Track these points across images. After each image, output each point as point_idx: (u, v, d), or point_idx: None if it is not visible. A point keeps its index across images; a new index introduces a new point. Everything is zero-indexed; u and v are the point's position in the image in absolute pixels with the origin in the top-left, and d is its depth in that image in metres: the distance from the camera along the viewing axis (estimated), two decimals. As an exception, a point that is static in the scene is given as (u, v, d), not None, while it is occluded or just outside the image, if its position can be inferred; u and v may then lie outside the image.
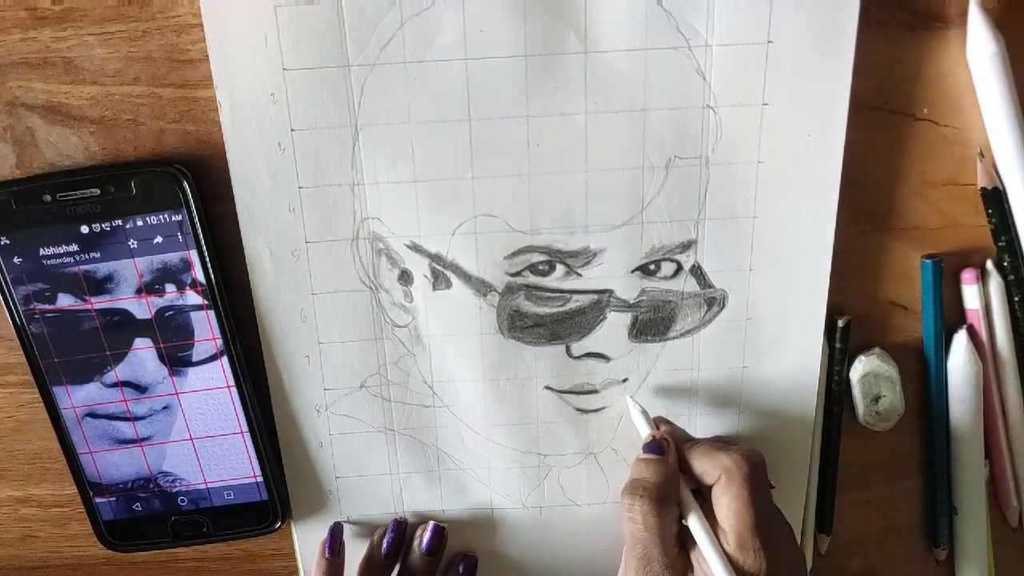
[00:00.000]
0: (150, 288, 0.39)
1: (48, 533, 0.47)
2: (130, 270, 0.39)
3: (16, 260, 0.39)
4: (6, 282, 0.39)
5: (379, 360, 0.42)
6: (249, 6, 0.36)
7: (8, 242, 0.38)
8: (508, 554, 0.47)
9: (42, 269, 0.39)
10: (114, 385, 0.41)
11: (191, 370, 0.41)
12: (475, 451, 0.44)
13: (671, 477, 0.38)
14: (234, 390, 0.42)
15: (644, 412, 0.41)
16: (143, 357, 0.41)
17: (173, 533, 0.45)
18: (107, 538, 0.45)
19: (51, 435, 0.42)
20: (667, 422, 0.41)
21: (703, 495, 0.38)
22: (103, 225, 0.38)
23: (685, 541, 0.38)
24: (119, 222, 0.38)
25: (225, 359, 0.41)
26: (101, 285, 0.39)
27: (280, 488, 0.44)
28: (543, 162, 0.38)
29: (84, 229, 0.38)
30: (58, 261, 0.39)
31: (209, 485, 0.44)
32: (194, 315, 0.40)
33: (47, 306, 0.39)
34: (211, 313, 0.40)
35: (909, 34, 0.38)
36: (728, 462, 0.36)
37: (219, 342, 0.40)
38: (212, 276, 0.39)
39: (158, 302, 0.40)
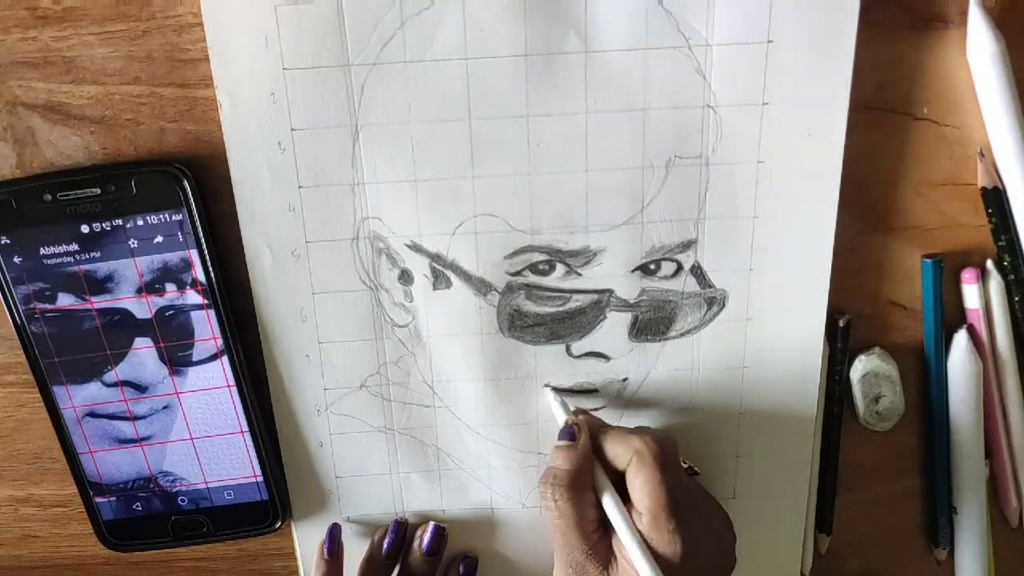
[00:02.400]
0: (150, 288, 0.39)
1: (48, 533, 0.47)
2: (130, 269, 0.39)
3: (16, 259, 0.39)
4: (6, 282, 0.39)
5: (379, 360, 0.42)
6: (249, 5, 0.36)
7: (8, 242, 0.38)
8: (508, 554, 0.47)
9: (42, 268, 0.39)
10: (114, 385, 0.41)
11: (191, 370, 0.41)
12: (475, 451, 0.44)
13: (582, 463, 0.38)
14: (234, 390, 0.42)
15: (563, 402, 0.41)
16: (143, 357, 0.41)
17: (173, 533, 0.45)
18: (107, 538, 0.45)
19: (51, 435, 0.42)
20: (584, 412, 0.41)
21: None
22: (103, 224, 0.38)
23: (608, 528, 0.38)
24: (119, 221, 0.38)
25: (225, 359, 0.41)
26: (101, 285, 0.39)
27: (280, 488, 0.44)
28: (543, 162, 0.38)
29: (84, 228, 0.38)
30: (58, 260, 0.39)
31: (209, 485, 0.44)
32: (194, 315, 0.40)
33: (47, 306, 0.39)
34: (211, 313, 0.40)
35: (909, 33, 0.38)
36: (639, 444, 0.37)
37: (219, 342, 0.40)
38: (212, 276, 0.39)
39: (158, 302, 0.40)
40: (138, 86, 0.37)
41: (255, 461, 0.43)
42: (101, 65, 0.37)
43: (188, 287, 0.39)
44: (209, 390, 0.42)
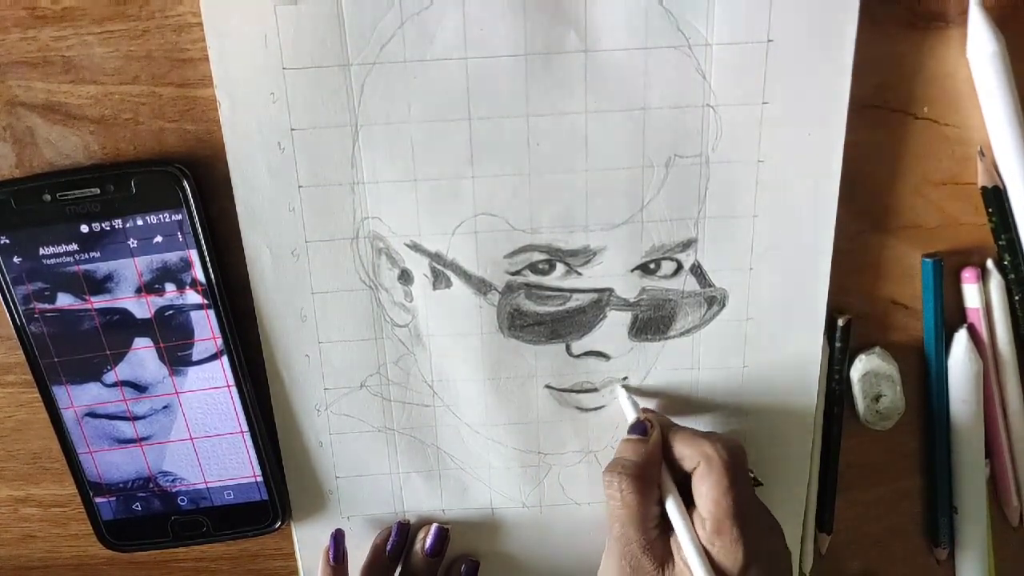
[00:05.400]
0: (150, 287, 0.39)
1: (48, 533, 0.47)
2: (130, 269, 0.39)
3: (16, 259, 0.38)
4: (6, 282, 0.39)
5: (379, 359, 0.42)
6: (249, 5, 0.35)
7: (8, 241, 0.38)
8: (508, 553, 0.47)
9: (42, 268, 0.39)
10: (114, 385, 0.41)
11: (191, 369, 0.41)
12: (475, 450, 0.44)
13: (653, 458, 0.38)
14: (234, 389, 0.42)
15: (633, 400, 0.41)
16: (143, 357, 0.41)
17: (173, 533, 0.44)
18: (107, 538, 0.45)
19: (51, 435, 0.42)
20: (653, 412, 0.41)
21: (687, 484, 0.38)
22: (103, 224, 0.38)
23: (667, 528, 0.38)
24: (119, 221, 0.38)
25: (225, 358, 0.41)
26: (101, 284, 0.39)
27: (280, 488, 0.44)
28: (543, 161, 0.38)
29: (84, 228, 0.38)
30: (58, 260, 0.39)
31: (209, 485, 0.44)
32: (194, 314, 0.40)
33: (47, 306, 0.39)
34: (211, 312, 0.40)
35: (909, 32, 0.38)
36: (709, 449, 0.37)
37: (219, 341, 0.40)
38: (212, 275, 0.39)
39: (158, 301, 0.40)
40: (137, 86, 0.37)
41: (255, 461, 0.43)
42: (100, 65, 0.37)
43: (188, 287, 0.39)
44: (209, 390, 0.41)
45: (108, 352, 0.40)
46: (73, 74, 0.37)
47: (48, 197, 0.38)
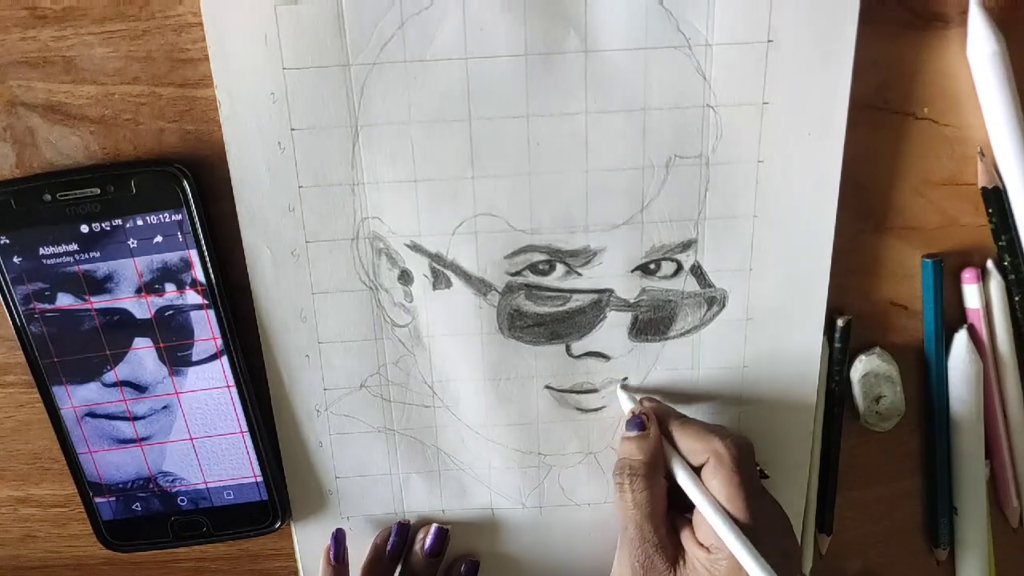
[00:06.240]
0: (150, 288, 0.39)
1: (48, 533, 0.47)
2: (130, 269, 0.39)
3: (16, 259, 0.39)
4: (6, 282, 0.39)
5: (379, 360, 0.42)
6: (249, 5, 0.36)
7: (8, 241, 0.38)
8: (508, 554, 0.47)
9: (42, 268, 0.39)
10: (114, 385, 0.41)
11: (191, 370, 0.41)
12: (475, 451, 0.44)
13: (656, 452, 0.38)
14: (234, 390, 0.42)
15: (630, 394, 0.41)
16: (143, 357, 0.41)
17: (173, 533, 0.44)
18: (107, 538, 0.45)
19: (51, 435, 0.42)
20: (655, 401, 0.41)
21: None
22: (103, 224, 0.38)
23: (675, 522, 0.38)
24: (119, 221, 0.38)
25: (225, 359, 0.41)
26: (101, 285, 0.39)
27: (280, 488, 0.44)
28: (543, 161, 0.38)
29: (84, 228, 0.38)
30: (58, 260, 0.39)
31: (209, 485, 0.44)
32: (194, 315, 0.40)
33: (47, 306, 0.39)
34: (211, 313, 0.40)
35: (909, 33, 0.38)
36: (719, 446, 0.37)
37: (219, 342, 0.40)
38: (212, 276, 0.39)
39: (158, 302, 0.40)
40: (138, 86, 0.37)
41: (255, 461, 0.43)
42: (100, 65, 0.37)
43: (188, 287, 0.39)
44: (209, 390, 0.42)
45: (108, 352, 0.40)
46: (73, 74, 0.37)
47: (48, 197, 0.38)
